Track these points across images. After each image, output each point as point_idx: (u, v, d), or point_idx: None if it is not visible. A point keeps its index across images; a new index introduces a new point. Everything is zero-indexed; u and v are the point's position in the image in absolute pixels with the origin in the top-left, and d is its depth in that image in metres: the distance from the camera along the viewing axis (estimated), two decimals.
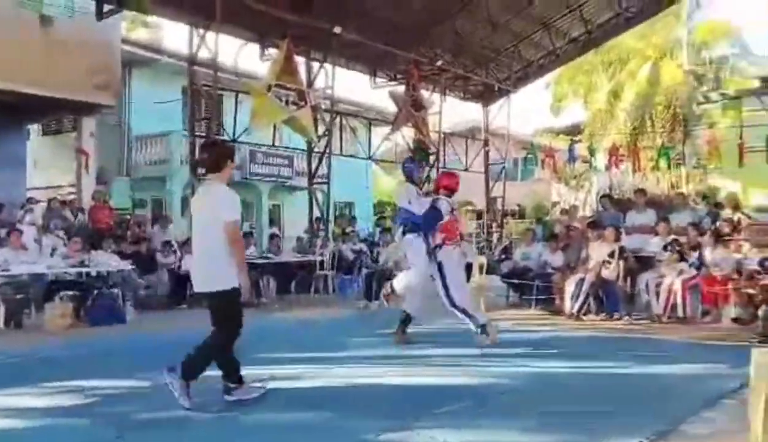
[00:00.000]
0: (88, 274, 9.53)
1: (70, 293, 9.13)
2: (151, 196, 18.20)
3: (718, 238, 8.87)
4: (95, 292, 9.27)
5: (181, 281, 11.16)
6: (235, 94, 14.26)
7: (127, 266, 10.13)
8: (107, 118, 16.33)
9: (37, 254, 10.06)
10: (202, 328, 4.64)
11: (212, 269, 4.57)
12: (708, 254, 8.72)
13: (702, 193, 15.81)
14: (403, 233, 7.33)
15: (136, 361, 6.36)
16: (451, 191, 7.42)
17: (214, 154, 4.88)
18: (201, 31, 12.91)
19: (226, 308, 4.59)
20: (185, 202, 15.77)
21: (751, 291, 7.87)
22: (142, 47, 17.68)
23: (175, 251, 11.79)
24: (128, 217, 14.71)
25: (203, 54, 13.09)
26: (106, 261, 9.87)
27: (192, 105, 13.70)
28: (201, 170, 4.85)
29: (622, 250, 9.43)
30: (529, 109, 27.89)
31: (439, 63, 16.92)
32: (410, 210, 7.25)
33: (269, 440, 3.90)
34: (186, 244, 11.96)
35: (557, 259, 10.38)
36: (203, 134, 13.48)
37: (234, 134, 14.04)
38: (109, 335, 8.14)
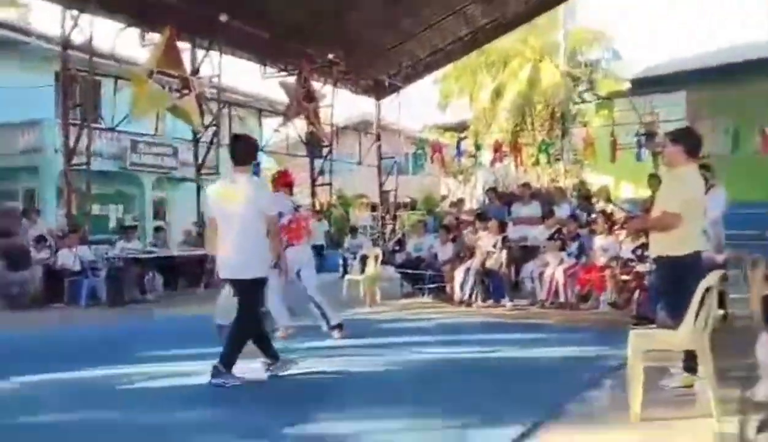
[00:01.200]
0: None
1: None
2: (23, 187, 16.92)
3: (610, 226, 9.39)
4: None
5: (57, 276, 10.46)
6: (114, 79, 13.49)
7: None
8: None
9: None
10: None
11: (250, 258, 4.90)
12: (599, 240, 9.24)
13: (576, 187, 16.64)
14: None
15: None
16: (290, 188, 7.33)
17: (243, 147, 5.21)
18: (74, 12, 12.07)
19: (257, 292, 5.09)
20: (60, 194, 14.76)
21: (626, 277, 8.42)
22: (9, 28, 16.35)
23: (50, 246, 11.00)
24: None
25: (78, 37, 12.27)
26: None
27: (65, 91, 12.80)
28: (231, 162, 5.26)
29: (504, 240, 9.88)
30: (419, 106, 28.31)
31: (330, 56, 16.82)
32: None
33: (167, 440, 3.71)
34: (63, 238, 11.22)
35: (447, 250, 10.64)
36: (78, 122, 12.67)
37: (113, 122, 13.28)
38: None
